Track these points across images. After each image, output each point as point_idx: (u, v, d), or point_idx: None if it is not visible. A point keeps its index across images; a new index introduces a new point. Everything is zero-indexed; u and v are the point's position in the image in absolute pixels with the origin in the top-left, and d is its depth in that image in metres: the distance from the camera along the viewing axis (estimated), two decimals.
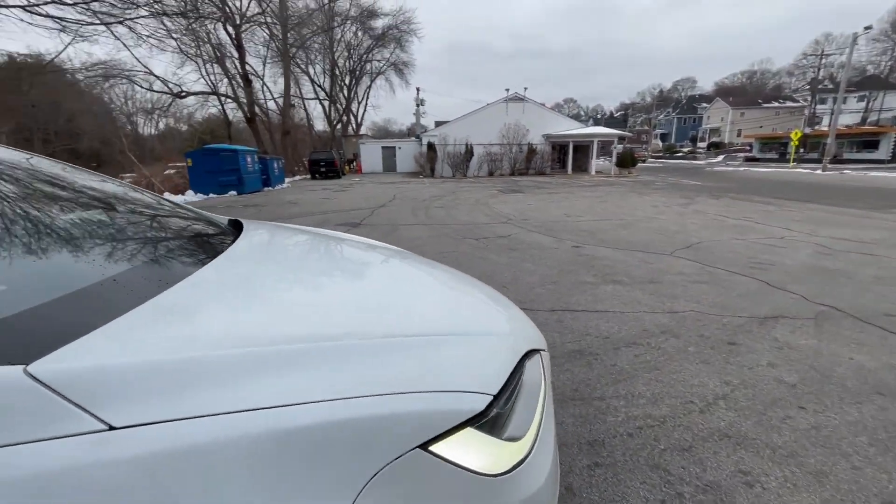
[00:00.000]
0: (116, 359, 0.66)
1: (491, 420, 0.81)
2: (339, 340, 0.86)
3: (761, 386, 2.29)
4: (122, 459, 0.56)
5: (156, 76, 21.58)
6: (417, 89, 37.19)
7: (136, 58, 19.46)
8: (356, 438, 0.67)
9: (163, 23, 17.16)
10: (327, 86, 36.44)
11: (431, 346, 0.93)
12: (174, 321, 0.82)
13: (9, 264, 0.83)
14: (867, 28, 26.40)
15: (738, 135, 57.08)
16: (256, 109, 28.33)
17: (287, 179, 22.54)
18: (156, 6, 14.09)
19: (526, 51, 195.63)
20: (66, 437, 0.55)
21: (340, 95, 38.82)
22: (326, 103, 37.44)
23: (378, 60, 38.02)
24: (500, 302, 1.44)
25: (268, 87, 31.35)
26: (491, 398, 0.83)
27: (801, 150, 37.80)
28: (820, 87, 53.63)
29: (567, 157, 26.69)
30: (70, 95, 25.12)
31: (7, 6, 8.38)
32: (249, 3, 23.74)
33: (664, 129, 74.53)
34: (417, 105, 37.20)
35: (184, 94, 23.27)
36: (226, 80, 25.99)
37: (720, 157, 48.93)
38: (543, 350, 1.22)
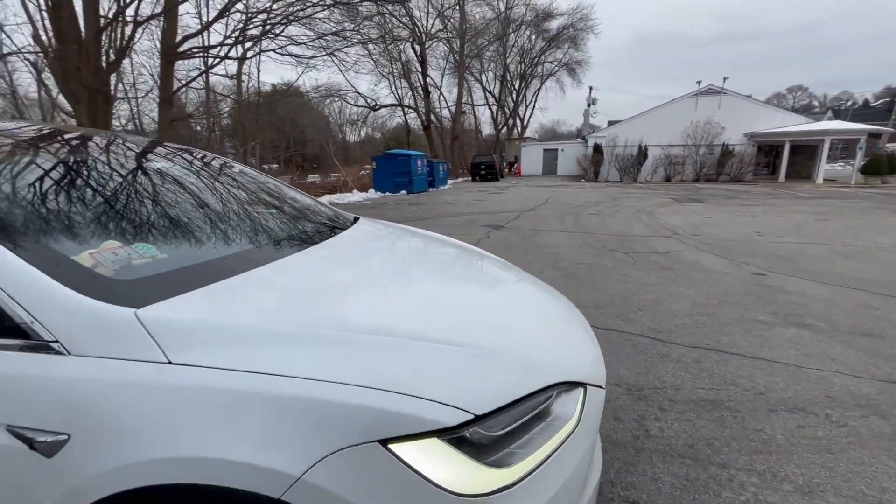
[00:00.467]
0: (187, 315, 0.91)
1: (467, 438, 0.80)
2: (357, 332, 0.96)
3: None
4: (170, 385, 0.79)
5: (359, 93, 26.26)
6: (590, 88, 35.27)
7: (347, 80, 24.02)
8: (324, 417, 0.76)
9: (366, 48, 20.74)
10: (497, 91, 37.87)
11: (437, 354, 0.94)
12: (238, 294, 1.05)
13: (168, 238, 1.21)
14: None
15: None
16: (432, 117, 31.54)
17: (450, 181, 24.44)
18: (361, 35, 17.06)
19: (733, 33, 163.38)
20: (141, 360, 0.81)
21: (509, 100, 39.87)
22: (494, 108, 39.01)
23: (550, 62, 37.55)
24: (560, 324, 1.33)
25: (444, 97, 34.50)
26: (470, 417, 0.81)
27: None
28: None
29: (780, 160, 21.40)
30: (302, 112, 32.57)
31: (265, 51, 11.54)
32: (434, 21, 26.56)
33: None
34: (588, 105, 35.28)
35: (377, 106, 27.66)
36: (410, 93, 29.72)
37: None
38: (594, 386, 1.09)
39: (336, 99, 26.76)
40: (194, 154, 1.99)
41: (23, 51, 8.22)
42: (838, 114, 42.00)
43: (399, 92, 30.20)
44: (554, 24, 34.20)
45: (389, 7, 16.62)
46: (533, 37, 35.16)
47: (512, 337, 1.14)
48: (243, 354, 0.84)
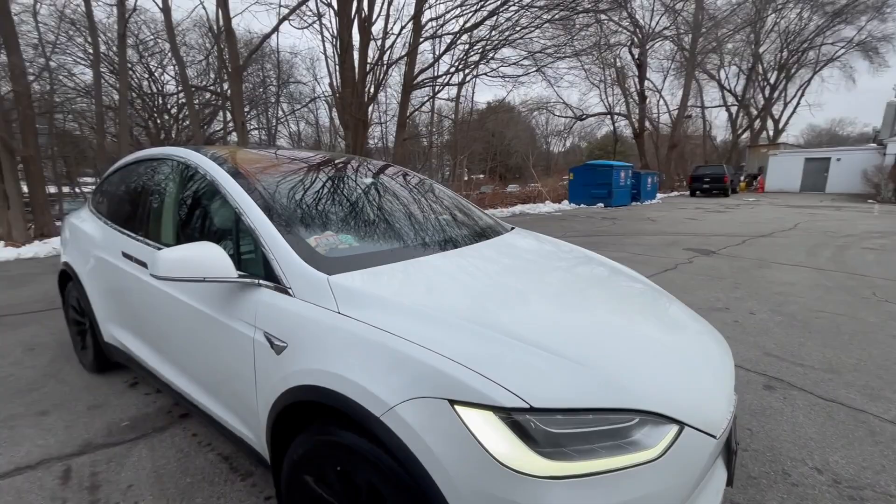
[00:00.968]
0: (355, 284, 1.30)
1: (519, 422, 0.91)
2: (464, 320, 1.16)
3: None
4: (334, 326, 1.18)
5: (566, 104, 26.13)
6: None
7: (556, 92, 24.29)
8: (418, 371, 1.01)
9: (578, 59, 20.47)
10: (741, 89, 31.20)
11: (523, 352, 1.06)
12: (390, 275, 1.41)
13: (362, 232, 1.68)
14: None
15: None
16: (647, 124, 28.55)
17: (660, 195, 21.64)
18: (574, 46, 16.94)
19: None
20: (324, 308, 1.23)
21: (758, 97, 32.28)
22: (735, 109, 32.23)
23: (831, 43, 28.46)
24: (688, 363, 1.21)
25: (664, 100, 30.73)
26: (525, 405, 0.91)
27: None
28: None
29: None
30: (509, 125, 34.58)
31: (480, 75, 12.92)
32: (659, 19, 23.96)
33: None
34: None
35: (584, 116, 26.89)
36: (622, 100, 27.68)
37: None
38: (697, 430, 1.03)
39: (543, 111, 27.34)
40: (396, 172, 2.56)
41: (323, 95, 11.62)
42: None
43: (610, 100, 28.58)
44: None
45: (609, 13, 16.00)
46: (805, 13, 27.34)
47: (613, 359, 1.12)
48: (381, 316, 1.16)
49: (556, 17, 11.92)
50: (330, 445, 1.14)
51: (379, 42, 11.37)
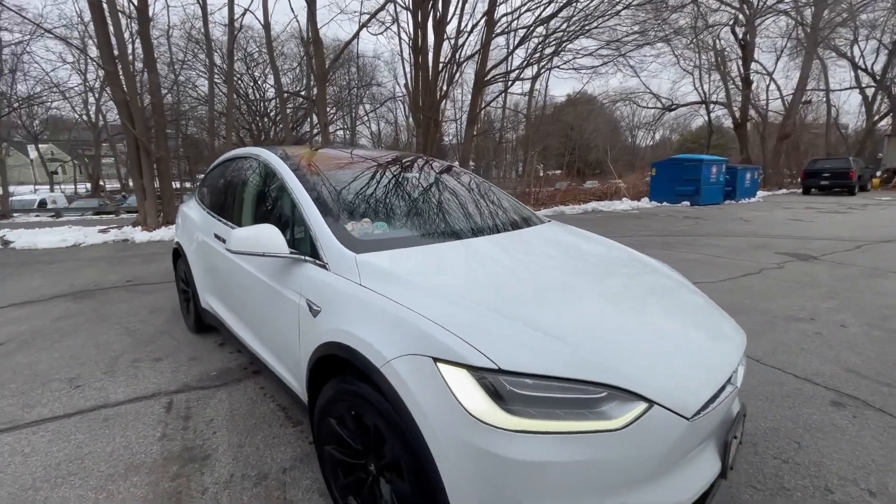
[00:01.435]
0: (376, 262, 1.52)
1: (489, 381, 1.05)
2: (463, 297, 1.33)
3: None
4: (355, 295, 1.42)
5: (653, 94, 24.19)
6: None
7: (642, 82, 22.63)
8: (412, 333, 1.20)
9: (668, 43, 18.80)
10: (881, 67, 26.16)
11: (504, 324, 1.21)
12: (406, 256, 1.60)
13: (393, 220, 1.90)
14: None
15: None
16: (752, 113, 25.32)
17: (762, 193, 19.22)
18: (665, 28, 15.56)
19: None
20: (350, 280, 1.48)
21: None
22: (872, 91, 27.11)
23: None
24: (677, 347, 1.25)
25: (776, 84, 26.95)
26: (494, 367, 1.06)
27: None
28: None
29: None
30: (589, 118, 32.84)
31: (551, 68, 12.57)
32: None
33: None
34: None
35: (673, 106, 24.65)
36: (722, 87, 24.83)
37: None
38: (667, 409, 1.08)
39: (627, 102, 25.62)
40: (440, 168, 2.75)
41: (398, 96, 12.23)
42: None
43: (706, 87, 25.81)
44: None
45: None
46: None
47: (593, 337, 1.20)
48: (391, 288, 1.37)
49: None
50: (347, 393, 1.37)
51: (452, 41, 11.64)
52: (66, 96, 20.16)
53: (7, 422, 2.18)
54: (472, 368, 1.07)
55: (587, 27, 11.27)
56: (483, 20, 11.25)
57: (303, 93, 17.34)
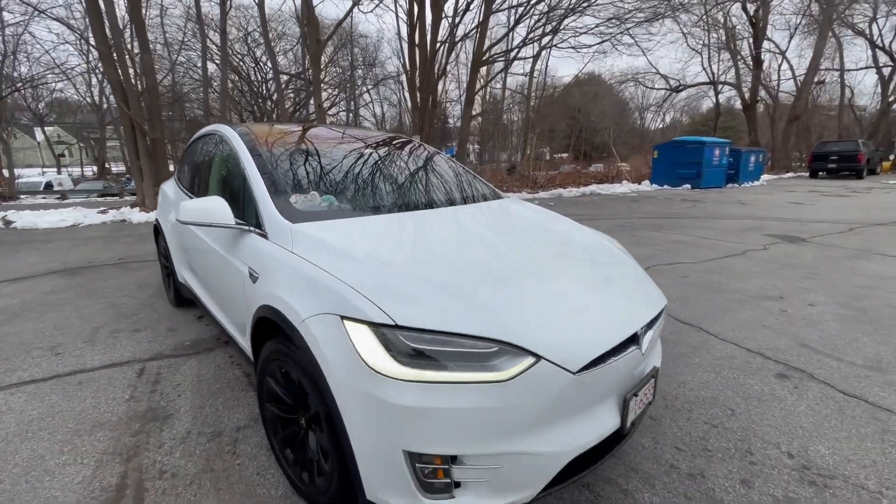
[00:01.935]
0: (307, 231, 1.58)
1: (387, 336, 1.13)
2: (376, 259, 1.42)
3: None
4: (286, 261, 1.50)
5: (660, 74, 23.60)
6: None
7: (649, 61, 22.06)
8: (327, 295, 1.28)
9: (676, 20, 18.29)
10: None
11: (408, 282, 1.30)
12: (338, 226, 1.66)
13: (341, 194, 1.96)
14: None
15: None
16: (762, 94, 24.65)
17: (768, 176, 18.87)
18: (672, 2, 15.04)
19: None
20: (283, 248, 1.55)
21: None
22: (888, 71, 26.15)
23: None
24: (580, 305, 1.35)
25: (789, 64, 26.09)
26: (391, 322, 1.13)
27: None
28: None
29: None
30: (595, 100, 32.15)
31: (552, 46, 12.31)
32: None
33: None
34: None
35: (680, 87, 24.08)
36: (732, 67, 24.13)
37: None
38: (554, 364, 1.15)
39: (632, 83, 25.05)
40: (399, 143, 2.79)
41: (393, 75, 12.07)
42: None
43: (715, 67, 25.10)
44: None
45: None
46: None
47: (493, 298, 1.27)
48: (316, 254, 1.45)
49: None
50: (279, 352, 1.46)
51: (450, 19, 11.43)
52: (69, 76, 20.19)
53: None
54: (372, 324, 1.15)
55: (589, 1, 10.97)
56: None
57: (300, 73, 17.18)
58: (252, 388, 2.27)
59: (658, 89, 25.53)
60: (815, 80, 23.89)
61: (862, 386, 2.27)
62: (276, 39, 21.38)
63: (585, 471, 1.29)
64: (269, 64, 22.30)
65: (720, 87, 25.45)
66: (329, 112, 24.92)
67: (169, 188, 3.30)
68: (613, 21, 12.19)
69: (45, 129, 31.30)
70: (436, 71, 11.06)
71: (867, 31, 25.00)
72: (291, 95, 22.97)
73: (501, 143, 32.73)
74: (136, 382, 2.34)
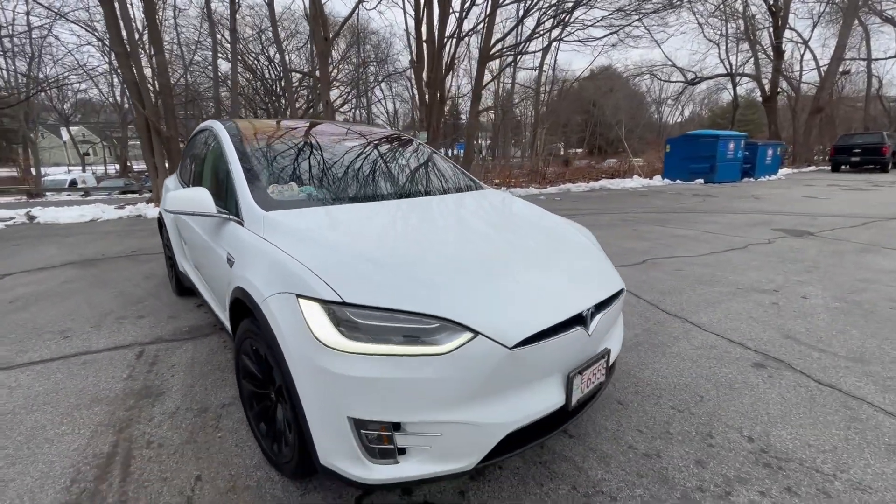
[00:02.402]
0: (278, 218, 1.68)
1: (335, 312, 1.22)
2: (338, 246, 1.49)
3: None
4: (257, 246, 1.60)
5: (675, 66, 23.09)
6: None
7: (663, 52, 21.57)
8: (287, 277, 1.36)
9: (692, 10, 17.86)
10: None
11: (360, 263, 1.38)
12: (309, 214, 1.75)
13: (319, 185, 2.05)
14: None
15: None
16: (783, 85, 23.90)
17: (787, 170, 18.37)
18: None
19: None
20: (256, 234, 1.67)
21: None
22: None
23: None
24: (520, 283, 1.42)
25: (812, 54, 25.25)
26: (339, 300, 1.22)
27: None
28: None
29: None
30: (607, 94, 31.57)
31: (561, 39, 12.20)
32: None
33: None
34: None
35: (697, 80, 23.52)
36: (751, 58, 23.45)
37: None
38: (490, 339, 1.22)
39: (646, 76, 24.58)
40: (383, 137, 2.88)
41: (400, 72, 12.15)
42: None
43: (733, 58, 24.43)
44: None
45: None
46: None
47: (439, 279, 1.34)
48: (282, 239, 1.55)
49: None
50: (249, 330, 1.57)
51: (457, 14, 11.44)
52: (91, 77, 20.88)
53: (2, 363, 2.51)
54: (322, 301, 1.24)
55: None
56: None
57: (310, 72, 17.41)
58: None
59: (674, 82, 25.01)
60: (840, 70, 23.02)
61: (839, 376, 2.27)
62: (289, 38, 21.69)
63: (529, 444, 1.36)
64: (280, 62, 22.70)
65: (739, 78, 24.77)
66: (342, 109, 25.19)
67: (171, 182, 3.46)
68: (624, 11, 11.99)
69: (71, 128, 32.44)
70: (443, 66, 11.08)
71: None
72: (304, 93, 23.29)
73: (515, 139, 32.51)
74: (134, 363, 2.49)
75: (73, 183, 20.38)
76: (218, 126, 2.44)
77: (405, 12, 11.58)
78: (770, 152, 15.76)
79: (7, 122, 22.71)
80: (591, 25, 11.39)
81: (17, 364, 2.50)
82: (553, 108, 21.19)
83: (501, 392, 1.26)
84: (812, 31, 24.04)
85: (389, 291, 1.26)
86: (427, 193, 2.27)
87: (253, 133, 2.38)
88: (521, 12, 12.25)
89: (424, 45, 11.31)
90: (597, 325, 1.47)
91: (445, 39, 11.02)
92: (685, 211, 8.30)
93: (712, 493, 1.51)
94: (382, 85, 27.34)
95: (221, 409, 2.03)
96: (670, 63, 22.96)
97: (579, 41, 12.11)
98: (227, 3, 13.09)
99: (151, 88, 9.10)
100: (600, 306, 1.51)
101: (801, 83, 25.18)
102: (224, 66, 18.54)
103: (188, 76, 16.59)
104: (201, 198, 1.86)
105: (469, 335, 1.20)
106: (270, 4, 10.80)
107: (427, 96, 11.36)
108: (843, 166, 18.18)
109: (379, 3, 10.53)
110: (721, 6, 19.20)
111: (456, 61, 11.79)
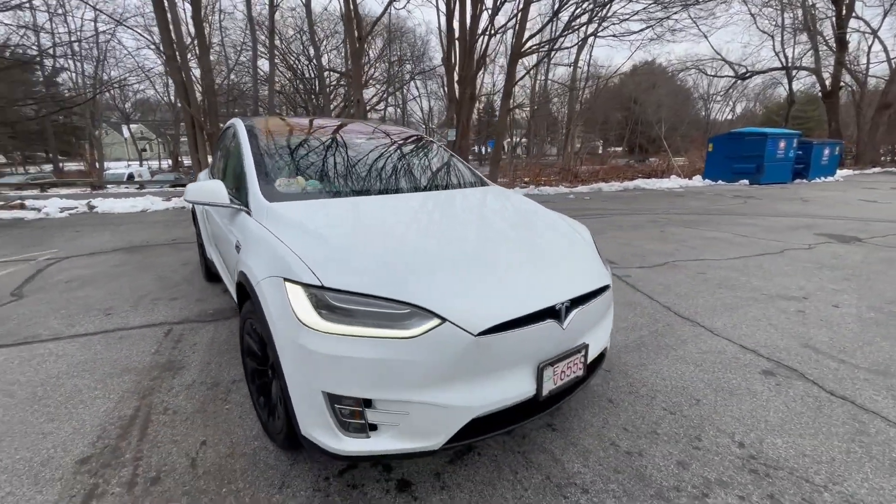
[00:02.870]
0: (279, 210, 1.80)
1: (316, 295, 1.32)
2: (328, 236, 1.59)
3: None
4: (258, 233, 1.73)
5: (724, 60, 21.84)
6: None
7: (710, 45, 20.44)
8: (279, 262, 1.47)
9: (745, 2, 16.82)
10: None
11: (346, 251, 1.48)
12: (309, 207, 1.87)
13: (326, 179, 2.18)
14: None
15: None
16: (847, 79, 22.02)
17: (846, 171, 17.00)
18: None
19: None
20: (260, 223, 1.79)
21: None
22: None
23: None
24: (498, 277, 1.47)
25: (882, 44, 23.03)
26: (318, 283, 1.32)
27: None
28: None
29: None
30: (648, 90, 30.27)
31: (596, 34, 11.86)
32: None
33: None
34: None
35: (748, 74, 22.12)
36: (810, 50, 21.76)
37: None
38: (457, 326, 1.29)
39: (692, 71, 23.39)
40: (400, 136, 2.97)
41: (434, 69, 12.25)
42: None
43: (790, 51, 22.74)
44: None
45: None
46: None
47: (415, 269, 1.42)
48: (280, 228, 1.67)
49: None
50: (249, 311, 1.71)
51: (489, 11, 11.41)
52: (149, 77, 22.49)
53: (53, 334, 2.83)
54: (304, 285, 1.34)
55: None
56: None
57: (343, 71, 17.88)
58: None
59: (722, 77, 23.65)
60: None
61: (855, 388, 2.15)
62: (328, 37, 22.37)
63: (499, 430, 1.41)
64: (323, 62, 23.42)
65: (795, 72, 23.04)
66: (377, 108, 25.69)
67: (203, 176, 3.74)
68: (663, 3, 11.49)
69: (131, 126, 35.02)
70: (474, 63, 11.09)
71: None
72: (342, 91, 23.97)
73: (552, 136, 31.87)
74: (162, 340, 2.74)
75: (131, 177, 22.02)
76: (238, 123, 2.62)
77: (437, 10, 11.67)
78: (826, 152, 14.63)
79: (76, 119, 24.83)
80: (628, 19, 11.00)
81: (65, 336, 2.81)
82: (589, 105, 20.58)
83: (469, 377, 1.32)
84: (882, 19, 21.79)
85: (367, 278, 1.35)
86: (424, 189, 2.34)
87: (268, 130, 2.55)
88: (556, 5, 12.01)
89: (456, 41, 11.36)
90: (572, 319, 1.49)
91: (477, 36, 11.01)
92: (721, 213, 7.91)
93: (688, 494, 1.50)
94: (418, 83, 27.63)
95: (231, 385, 2.21)
96: (719, 57, 21.73)
97: (614, 36, 11.73)
98: (263, 4, 13.71)
99: (198, 88, 9.70)
100: (578, 301, 1.53)
101: (868, 77, 23.10)
102: (266, 65, 19.43)
103: (231, 76, 17.49)
104: (216, 189, 2.03)
105: (437, 321, 1.27)
106: (308, 5, 11.23)
107: (457, 93, 11.40)
108: None
109: (408, 2, 10.66)
110: None
111: (487, 58, 11.76)
